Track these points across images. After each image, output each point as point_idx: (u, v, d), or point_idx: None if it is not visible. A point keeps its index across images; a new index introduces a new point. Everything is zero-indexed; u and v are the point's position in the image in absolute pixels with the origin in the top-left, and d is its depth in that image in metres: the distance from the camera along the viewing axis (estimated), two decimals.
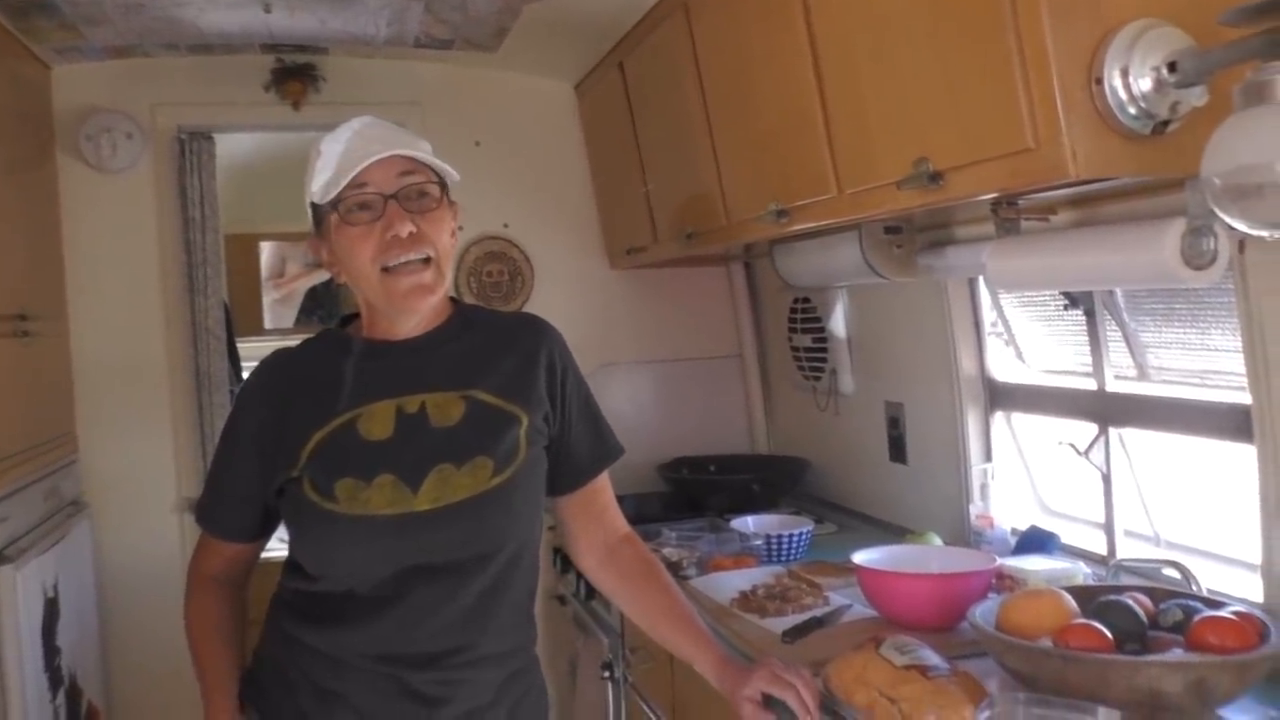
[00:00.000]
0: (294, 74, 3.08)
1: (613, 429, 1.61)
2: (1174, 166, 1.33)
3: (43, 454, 2.67)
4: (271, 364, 1.51)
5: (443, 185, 1.42)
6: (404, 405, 1.41)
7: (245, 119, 3.20)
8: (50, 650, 2.50)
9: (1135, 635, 1.44)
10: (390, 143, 1.39)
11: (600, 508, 1.61)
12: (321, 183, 1.39)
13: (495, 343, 1.50)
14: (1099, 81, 1.29)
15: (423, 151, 1.42)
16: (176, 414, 3.10)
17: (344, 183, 1.36)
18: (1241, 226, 1.14)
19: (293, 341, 1.56)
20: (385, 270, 1.38)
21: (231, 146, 3.44)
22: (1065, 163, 1.32)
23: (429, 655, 1.37)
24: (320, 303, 5.28)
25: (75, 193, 3.01)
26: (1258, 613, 1.43)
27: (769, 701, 1.49)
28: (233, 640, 1.49)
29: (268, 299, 5.46)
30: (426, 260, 1.39)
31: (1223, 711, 1.35)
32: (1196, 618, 1.42)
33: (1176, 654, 1.37)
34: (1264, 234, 1.15)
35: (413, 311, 1.43)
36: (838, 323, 2.86)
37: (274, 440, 1.41)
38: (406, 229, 1.36)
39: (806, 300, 3.00)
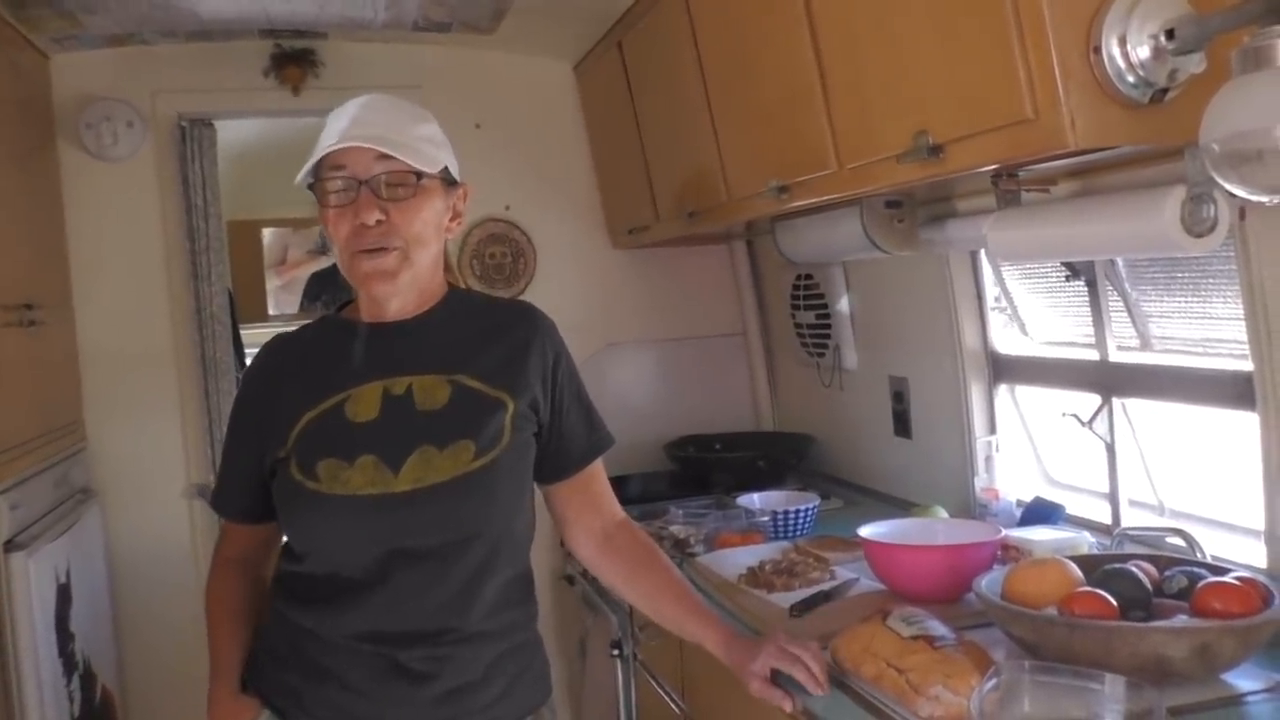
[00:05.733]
0: (293, 59, 3.07)
1: (604, 418, 1.60)
2: (1173, 134, 1.32)
3: (52, 442, 2.69)
4: (270, 348, 1.54)
5: (422, 174, 1.38)
6: (391, 387, 1.42)
7: (245, 105, 3.20)
8: (64, 636, 2.52)
9: (1140, 602, 1.44)
10: (377, 126, 1.37)
11: (595, 494, 1.61)
12: (308, 163, 1.39)
13: (486, 329, 1.50)
14: (1097, 50, 1.28)
15: (421, 132, 1.41)
16: (184, 400, 3.12)
17: (314, 165, 1.37)
18: (1241, 193, 1.14)
19: (296, 327, 1.58)
20: (356, 252, 1.39)
21: (232, 133, 3.44)
22: (1064, 132, 1.32)
23: (417, 634, 1.37)
24: (324, 287, 5.27)
25: (77, 182, 3.01)
26: (1261, 578, 1.44)
27: (777, 676, 1.51)
28: (246, 622, 1.51)
29: (271, 286, 5.47)
30: (394, 248, 1.38)
31: (1227, 676, 1.36)
32: (1200, 584, 1.43)
33: (1181, 620, 1.38)
34: (1263, 199, 1.15)
35: (372, 295, 1.43)
36: (841, 298, 2.86)
37: (268, 422, 1.43)
38: (373, 217, 1.36)
39: (809, 277, 3.00)
